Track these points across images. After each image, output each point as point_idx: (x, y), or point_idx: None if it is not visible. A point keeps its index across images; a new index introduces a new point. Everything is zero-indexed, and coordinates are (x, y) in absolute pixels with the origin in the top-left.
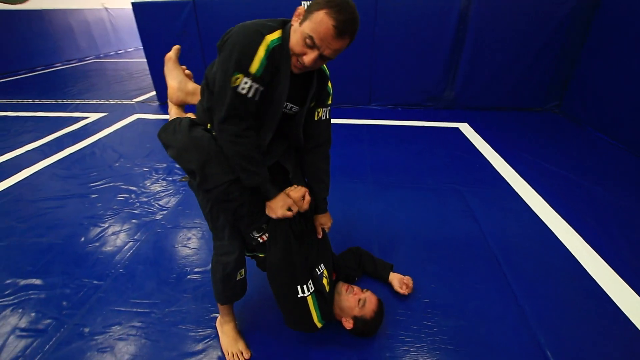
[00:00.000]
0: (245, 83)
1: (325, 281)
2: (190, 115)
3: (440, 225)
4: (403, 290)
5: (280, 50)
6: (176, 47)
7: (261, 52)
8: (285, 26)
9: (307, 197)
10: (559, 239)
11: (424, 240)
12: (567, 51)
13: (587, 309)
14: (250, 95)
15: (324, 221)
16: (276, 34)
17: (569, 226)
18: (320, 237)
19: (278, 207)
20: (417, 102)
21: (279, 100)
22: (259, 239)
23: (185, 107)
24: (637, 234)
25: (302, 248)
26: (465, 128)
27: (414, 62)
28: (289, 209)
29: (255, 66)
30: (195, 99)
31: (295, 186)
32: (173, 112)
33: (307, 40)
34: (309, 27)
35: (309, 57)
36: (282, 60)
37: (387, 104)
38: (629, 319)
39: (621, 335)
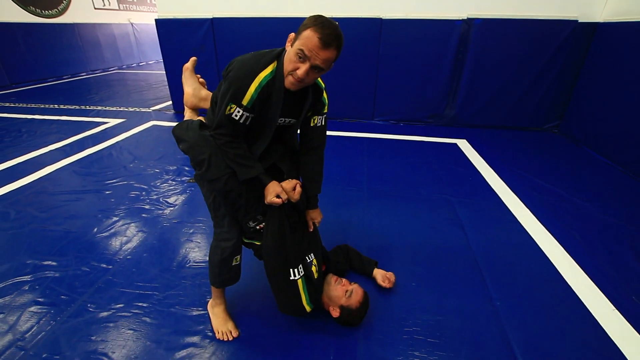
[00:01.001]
0: (238, 111)
1: (314, 269)
2: (202, 118)
3: (428, 232)
4: (386, 284)
5: (273, 82)
6: (193, 58)
7: (252, 89)
8: (280, 57)
9: (298, 189)
10: (541, 249)
11: (411, 244)
12: (565, 74)
13: (559, 312)
14: (241, 121)
15: (315, 216)
16: (269, 69)
17: (553, 238)
18: (311, 230)
19: (269, 193)
20: (419, 119)
21: (272, 119)
22: (256, 226)
23: (199, 111)
24: (619, 247)
25: (295, 235)
26: (464, 144)
27: (417, 80)
28: (278, 197)
29: (246, 100)
30: (207, 104)
31: (288, 180)
32: (187, 115)
33: (299, 54)
34: (299, 44)
35: (302, 70)
36: (274, 89)
37: (389, 119)
38: (599, 323)
39: (588, 336)
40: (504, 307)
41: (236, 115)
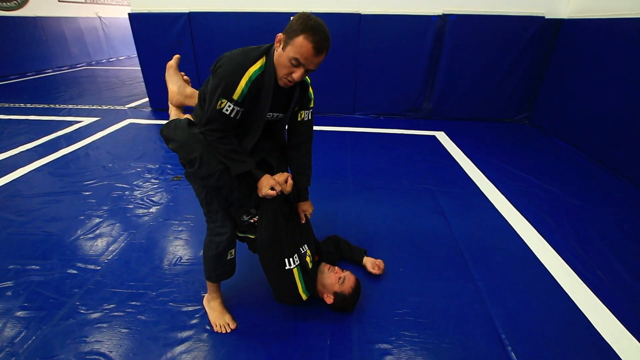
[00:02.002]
0: (229, 106)
1: (308, 259)
2: (188, 116)
3: (412, 220)
4: (375, 271)
5: (262, 76)
6: (177, 56)
7: (243, 83)
8: (268, 52)
9: (290, 181)
10: (515, 231)
11: (397, 232)
12: (534, 68)
13: (534, 288)
14: (232, 115)
15: (306, 208)
16: (259, 64)
17: (526, 221)
18: (303, 222)
19: (263, 186)
20: (398, 112)
21: (261, 114)
22: (250, 220)
23: (183, 108)
24: (585, 227)
25: (288, 225)
26: (442, 136)
27: (395, 75)
28: (273, 189)
29: (237, 94)
30: (193, 102)
31: (280, 173)
32: (173, 113)
33: (293, 62)
34: (292, 50)
35: (298, 74)
36: (264, 83)
37: (370, 113)
38: (568, 295)
39: (559, 307)
40: (485, 287)
41: (227, 110)
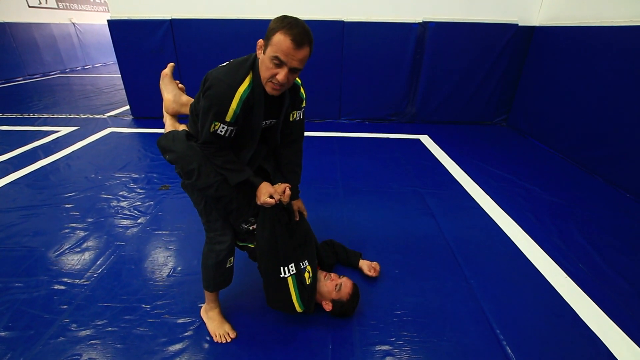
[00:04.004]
0: (223, 127)
1: (307, 275)
2: (185, 127)
3: (403, 222)
4: (372, 273)
5: (252, 93)
6: (171, 64)
7: (234, 105)
8: (254, 66)
9: (288, 192)
10: (502, 230)
11: (389, 235)
12: (510, 72)
13: (523, 283)
14: (226, 135)
15: (300, 205)
16: (247, 81)
17: (511, 219)
18: (297, 219)
19: (262, 194)
20: (383, 117)
21: (256, 127)
22: (249, 227)
23: (178, 117)
24: (565, 223)
25: (287, 235)
26: (426, 139)
27: (379, 80)
28: (271, 197)
29: (229, 116)
30: (188, 110)
31: (279, 184)
32: (168, 122)
33: (275, 61)
34: (272, 50)
35: (281, 74)
36: (255, 99)
37: (355, 118)
38: (555, 289)
39: (547, 300)
40: (477, 284)
41: (221, 131)
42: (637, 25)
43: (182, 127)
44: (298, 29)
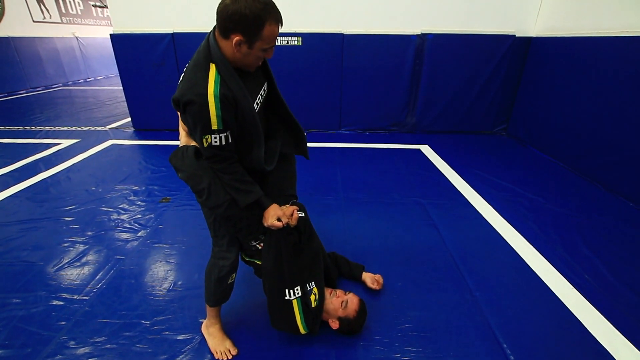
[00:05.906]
0: (215, 137)
1: (312, 297)
2: (196, 144)
3: (405, 233)
4: (375, 286)
5: (225, 85)
6: None
7: (213, 112)
8: (211, 52)
9: (295, 215)
10: (505, 240)
11: (391, 246)
12: (508, 82)
13: (528, 295)
14: (224, 143)
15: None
16: (212, 76)
17: (514, 229)
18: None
19: (269, 216)
20: (383, 127)
21: (250, 113)
22: (257, 245)
23: None
24: (569, 233)
25: (293, 257)
26: (426, 149)
27: (379, 91)
28: (279, 220)
29: (215, 124)
30: None
31: (287, 205)
32: (183, 137)
33: (266, 48)
34: (264, 43)
35: (271, 53)
36: (233, 89)
37: (355, 128)
38: (561, 301)
39: (554, 313)
40: (482, 297)
41: (216, 142)
42: (632, 36)
43: (193, 144)
44: (276, 10)
